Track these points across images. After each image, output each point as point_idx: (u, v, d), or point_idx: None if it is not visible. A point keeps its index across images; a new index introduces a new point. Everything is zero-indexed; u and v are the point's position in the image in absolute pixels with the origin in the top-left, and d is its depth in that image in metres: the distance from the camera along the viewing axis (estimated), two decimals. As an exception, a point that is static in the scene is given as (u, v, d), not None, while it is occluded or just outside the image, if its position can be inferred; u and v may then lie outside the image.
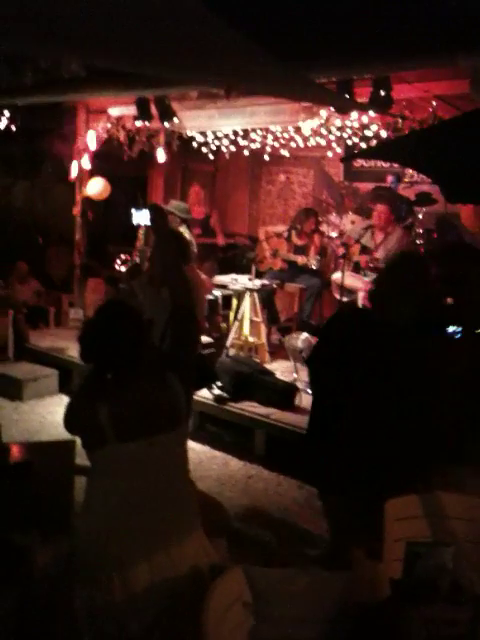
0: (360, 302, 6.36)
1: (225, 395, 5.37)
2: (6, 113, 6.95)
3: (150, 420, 2.23)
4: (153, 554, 2.16)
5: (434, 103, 4.81)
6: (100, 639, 2.17)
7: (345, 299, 6.32)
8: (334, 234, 7.20)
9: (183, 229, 6.45)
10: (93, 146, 7.33)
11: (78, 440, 2.72)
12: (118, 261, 7.05)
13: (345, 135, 5.77)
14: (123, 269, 7.12)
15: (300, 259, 7.02)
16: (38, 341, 7.03)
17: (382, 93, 4.43)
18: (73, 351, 6.51)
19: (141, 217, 4.20)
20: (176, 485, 2.31)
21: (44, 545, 2.75)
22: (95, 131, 7.25)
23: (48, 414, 5.76)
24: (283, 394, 5.34)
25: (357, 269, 6.45)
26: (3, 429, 3.58)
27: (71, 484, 3.18)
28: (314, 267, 6.96)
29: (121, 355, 2.22)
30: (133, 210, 4.24)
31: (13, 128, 7.17)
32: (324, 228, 7.39)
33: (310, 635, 2.22)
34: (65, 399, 6.06)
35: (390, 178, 7.28)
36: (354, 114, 5.33)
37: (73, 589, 2.22)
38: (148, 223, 4.08)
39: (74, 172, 7.51)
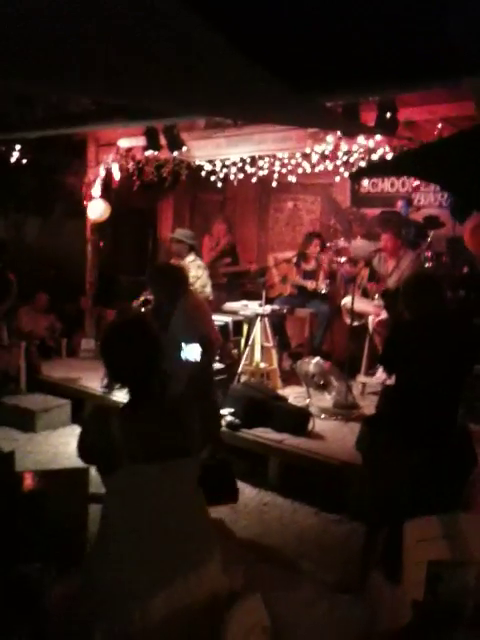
0: (371, 327, 6.35)
1: (237, 422, 5.32)
2: (17, 147, 7.04)
3: (163, 443, 2.22)
4: (171, 582, 2.13)
5: (440, 125, 4.85)
6: None
7: (356, 323, 6.31)
8: (342, 259, 7.22)
9: (192, 257, 6.49)
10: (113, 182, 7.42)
11: (92, 469, 2.71)
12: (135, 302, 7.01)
13: (352, 160, 5.82)
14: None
15: (310, 284, 7.03)
16: (50, 372, 7.03)
17: (388, 116, 4.47)
18: (85, 381, 6.52)
19: (191, 352, 4.07)
20: (191, 512, 2.28)
21: (59, 576, 2.71)
22: (106, 164, 7.34)
23: (61, 445, 5.73)
24: (296, 420, 5.29)
25: (366, 294, 6.45)
26: (17, 461, 3.56)
27: (85, 512, 3.15)
28: (324, 292, 6.97)
29: (133, 368, 2.22)
30: (183, 344, 4.01)
31: (24, 162, 7.25)
32: (332, 253, 7.42)
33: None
34: (78, 429, 6.02)
35: (400, 203, 7.31)
36: (361, 138, 5.38)
37: (91, 621, 2.18)
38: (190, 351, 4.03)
39: (92, 208, 7.57)
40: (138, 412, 2.22)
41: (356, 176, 7.20)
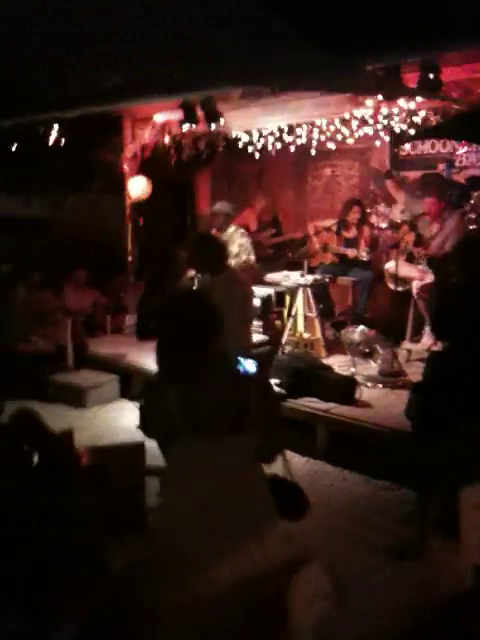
0: (414, 291, 6.27)
1: (284, 392, 5.35)
2: (55, 127, 7.07)
3: (220, 417, 2.24)
4: (234, 552, 2.16)
5: (484, 84, 4.71)
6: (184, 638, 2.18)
7: (400, 289, 6.25)
8: (384, 225, 7.14)
9: (234, 227, 6.51)
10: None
11: (148, 442, 2.76)
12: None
13: (393, 123, 5.71)
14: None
15: (351, 252, 6.98)
16: (97, 348, 7.15)
17: (431, 76, 4.35)
18: (132, 356, 6.61)
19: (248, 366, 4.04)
20: (251, 484, 2.31)
21: (120, 548, 2.79)
22: (142, 139, 7.35)
23: (111, 419, 5.86)
24: (342, 388, 5.30)
25: (411, 259, 6.37)
26: (70, 436, 3.65)
27: (143, 486, 3.23)
28: (365, 259, 6.91)
29: (192, 339, 2.24)
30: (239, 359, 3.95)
31: (62, 142, 7.29)
32: (373, 219, 7.32)
33: (391, 628, 2.20)
34: (127, 404, 6.15)
35: (442, 165, 7.16)
36: (402, 101, 5.25)
37: (155, 590, 2.24)
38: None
39: (133, 184, 7.60)
40: (194, 386, 2.25)
41: (402, 142, 7.01)
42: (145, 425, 2.39)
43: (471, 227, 6.24)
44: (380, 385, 5.55)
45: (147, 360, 5.70)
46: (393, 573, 2.38)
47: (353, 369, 5.75)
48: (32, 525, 2.79)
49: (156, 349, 2.35)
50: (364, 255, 6.84)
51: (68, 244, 8.47)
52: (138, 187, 7.61)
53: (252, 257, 6.46)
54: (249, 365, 3.72)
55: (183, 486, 2.27)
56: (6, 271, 7.71)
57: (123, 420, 5.76)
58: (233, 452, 2.26)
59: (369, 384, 5.55)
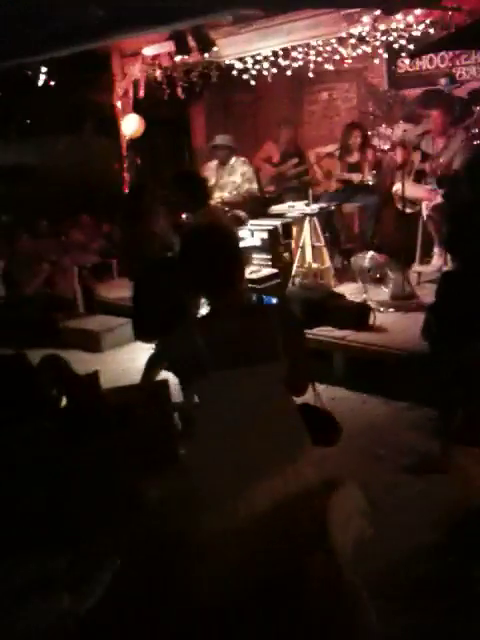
0: (424, 212, 6.19)
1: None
2: (43, 69, 6.87)
3: (247, 349, 2.25)
4: (269, 477, 2.21)
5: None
6: (224, 566, 2.24)
7: (408, 211, 6.17)
8: (386, 146, 7.00)
9: (235, 158, 6.45)
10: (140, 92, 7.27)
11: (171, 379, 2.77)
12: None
13: (391, 39, 5.51)
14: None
15: (355, 177, 6.86)
16: (105, 293, 7.15)
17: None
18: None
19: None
20: (282, 411, 2.33)
21: (155, 483, 2.85)
22: (133, 75, 7.15)
23: (129, 361, 5.90)
24: (356, 315, 5.31)
25: (419, 178, 6.27)
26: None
27: (171, 421, 3.28)
28: (370, 183, 6.80)
29: (219, 274, 2.22)
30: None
31: (51, 83, 7.11)
32: (375, 141, 7.18)
33: (423, 541, 2.26)
34: (142, 346, 6.18)
35: (443, 80, 6.95)
36: (399, 15, 5.05)
37: (193, 521, 2.29)
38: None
39: (126, 123, 7.43)
40: (220, 320, 2.24)
41: (415, 54, 6.68)
42: (167, 362, 2.38)
43: (476, 142, 6.12)
44: (393, 309, 5.56)
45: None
46: (421, 488, 2.45)
47: (365, 295, 5.74)
48: (64, 467, 2.85)
49: (176, 284, 2.33)
50: (369, 179, 6.73)
51: (67, 189, 8.37)
52: (131, 125, 7.45)
53: (255, 185, 6.44)
54: (267, 299, 3.73)
55: (214, 417, 2.29)
56: (8, 221, 7.66)
57: (140, 362, 5.79)
58: (262, 381, 2.27)
59: (382, 309, 5.55)
